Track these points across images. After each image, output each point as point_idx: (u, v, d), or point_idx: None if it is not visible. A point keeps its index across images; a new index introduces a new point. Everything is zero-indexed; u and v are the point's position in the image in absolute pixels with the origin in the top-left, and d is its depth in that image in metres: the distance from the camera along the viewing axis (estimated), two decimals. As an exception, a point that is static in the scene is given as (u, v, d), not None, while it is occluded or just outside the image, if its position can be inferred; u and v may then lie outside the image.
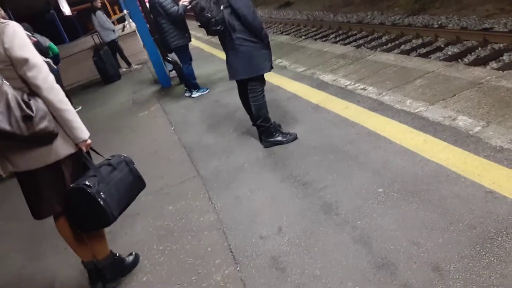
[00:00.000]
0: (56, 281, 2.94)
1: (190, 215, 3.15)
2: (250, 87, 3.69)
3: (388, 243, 2.26)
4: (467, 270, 1.94)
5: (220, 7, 3.35)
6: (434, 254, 2.09)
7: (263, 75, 3.69)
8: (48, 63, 6.67)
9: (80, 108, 8.01)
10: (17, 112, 1.94)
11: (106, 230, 2.59)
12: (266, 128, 3.79)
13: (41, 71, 2.06)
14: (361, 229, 2.43)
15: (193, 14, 3.71)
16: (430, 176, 2.69)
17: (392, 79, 4.51)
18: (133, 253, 2.83)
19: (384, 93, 4.18)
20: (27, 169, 2.19)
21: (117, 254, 2.72)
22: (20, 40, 2.03)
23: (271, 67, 3.66)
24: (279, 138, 3.81)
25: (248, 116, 4.04)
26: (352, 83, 4.77)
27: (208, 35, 3.68)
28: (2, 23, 2.03)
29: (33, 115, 2.00)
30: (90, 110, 7.78)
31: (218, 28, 3.41)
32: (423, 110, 3.56)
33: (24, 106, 1.97)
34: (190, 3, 5.35)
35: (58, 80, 7.17)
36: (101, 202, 2.18)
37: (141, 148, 4.96)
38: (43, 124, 2.05)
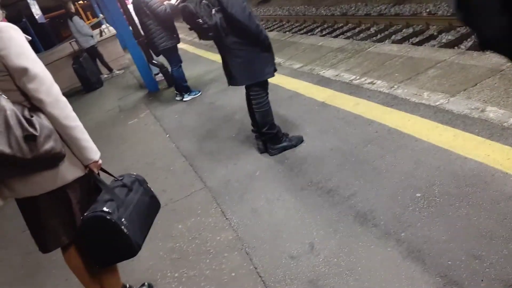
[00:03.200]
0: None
1: (204, 234, 2.83)
2: (253, 94, 3.37)
3: (444, 257, 1.98)
4: (549, 287, 1.68)
5: (212, 11, 3.00)
6: (503, 269, 1.82)
7: (266, 80, 3.37)
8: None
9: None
10: (17, 132, 1.61)
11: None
12: (273, 135, 3.48)
13: (43, 83, 1.74)
14: (407, 242, 2.15)
15: (182, 17, 3.38)
16: (472, 176, 2.43)
17: (400, 71, 4.25)
18: (146, 283, 2.50)
19: (395, 86, 3.92)
20: (27, 195, 1.86)
21: (128, 286, 2.39)
22: (17, 46, 1.71)
23: (275, 70, 3.34)
24: (285, 144, 3.52)
25: (250, 120, 3.74)
26: (357, 77, 4.50)
27: (200, 39, 3.36)
28: None
29: (37, 134, 1.68)
30: (74, 121, 7.35)
31: (210, 34, 3.10)
32: (444, 103, 3.31)
33: (26, 124, 1.64)
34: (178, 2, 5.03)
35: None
36: (125, 230, 1.85)
37: (136, 159, 4.61)
38: (48, 145, 1.73)
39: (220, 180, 3.44)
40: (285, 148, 3.50)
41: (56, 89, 1.81)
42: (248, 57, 3.18)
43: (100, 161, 2.00)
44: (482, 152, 2.60)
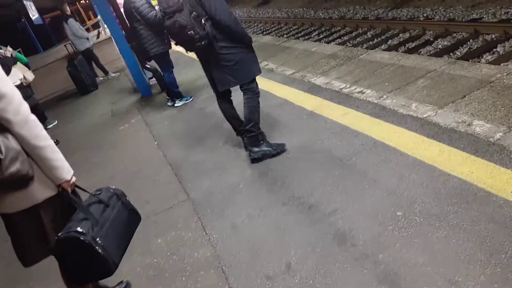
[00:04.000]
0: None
1: (182, 250, 2.78)
2: (246, 89, 3.41)
3: (420, 282, 1.93)
4: (525, 319, 1.62)
5: (201, 21, 3.03)
6: (479, 297, 1.76)
7: (255, 78, 3.45)
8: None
9: (56, 122, 7.57)
10: None
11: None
12: (255, 135, 3.47)
13: (11, 102, 1.67)
14: (385, 264, 2.09)
15: (168, 34, 3.37)
16: (454, 194, 2.36)
17: (391, 80, 4.19)
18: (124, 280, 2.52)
19: (385, 96, 3.86)
20: (3, 212, 1.84)
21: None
22: None
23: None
24: (265, 148, 3.49)
25: (231, 127, 3.79)
26: (348, 85, 4.44)
27: (187, 52, 3.36)
28: None
29: (1, 157, 1.63)
30: (67, 124, 7.31)
31: (202, 43, 3.09)
32: (432, 115, 3.25)
33: None
34: None
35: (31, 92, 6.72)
36: (100, 251, 1.80)
37: (124, 167, 4.55)
38: (14, 168, 1.67)
39: (204, 192, 3.38)
40: (265, 154, 3.48)
41: (24, 108, 1.75)
42: (237, 59, 3.26)
43: (73, 180, 1.94)
44: (466, 168, 2.54)
